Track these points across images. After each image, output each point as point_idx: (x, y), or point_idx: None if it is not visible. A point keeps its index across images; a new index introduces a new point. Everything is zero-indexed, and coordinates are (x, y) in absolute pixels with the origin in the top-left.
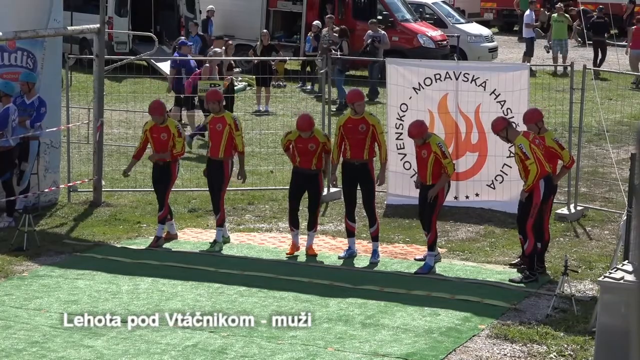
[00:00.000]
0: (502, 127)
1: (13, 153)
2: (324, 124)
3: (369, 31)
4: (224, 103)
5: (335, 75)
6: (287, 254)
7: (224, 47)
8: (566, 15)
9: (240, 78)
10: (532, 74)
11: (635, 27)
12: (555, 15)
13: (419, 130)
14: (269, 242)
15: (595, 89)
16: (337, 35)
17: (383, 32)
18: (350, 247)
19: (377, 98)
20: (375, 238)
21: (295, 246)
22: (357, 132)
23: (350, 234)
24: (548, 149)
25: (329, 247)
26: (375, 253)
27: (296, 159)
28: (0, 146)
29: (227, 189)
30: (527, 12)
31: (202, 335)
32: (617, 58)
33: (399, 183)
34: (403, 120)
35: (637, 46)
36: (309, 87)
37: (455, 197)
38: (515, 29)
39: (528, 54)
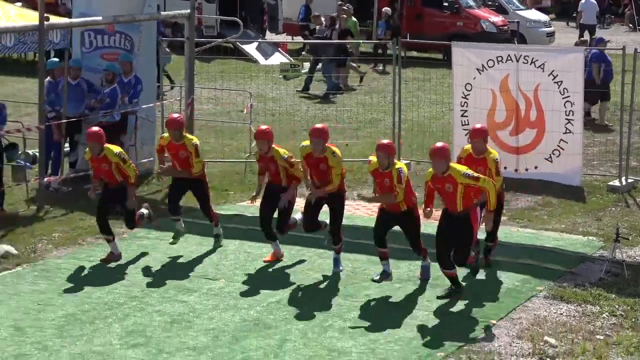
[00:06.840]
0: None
1: (118, 127)
2: (394, 101)
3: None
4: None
5: (325, 64)
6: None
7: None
8: (354, 19)
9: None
10: None
11: None
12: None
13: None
14: None
15: None
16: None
17: None
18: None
19: (333, 97)
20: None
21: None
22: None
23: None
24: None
25: None
26: (336, 262)
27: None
28: (107, 121)
29: None
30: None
31: (285, 292)
32: None
33: None
34: (467, 99)
35: None
36: (380, 67)
37: (516, 170)
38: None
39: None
